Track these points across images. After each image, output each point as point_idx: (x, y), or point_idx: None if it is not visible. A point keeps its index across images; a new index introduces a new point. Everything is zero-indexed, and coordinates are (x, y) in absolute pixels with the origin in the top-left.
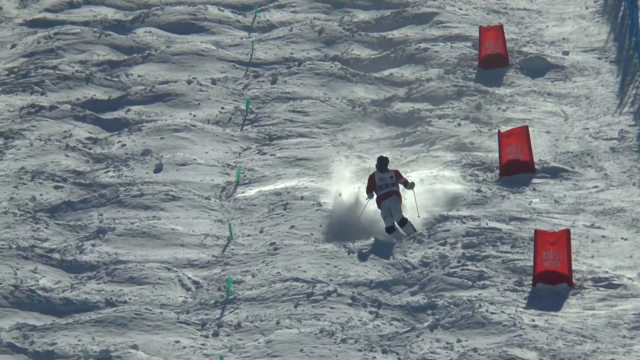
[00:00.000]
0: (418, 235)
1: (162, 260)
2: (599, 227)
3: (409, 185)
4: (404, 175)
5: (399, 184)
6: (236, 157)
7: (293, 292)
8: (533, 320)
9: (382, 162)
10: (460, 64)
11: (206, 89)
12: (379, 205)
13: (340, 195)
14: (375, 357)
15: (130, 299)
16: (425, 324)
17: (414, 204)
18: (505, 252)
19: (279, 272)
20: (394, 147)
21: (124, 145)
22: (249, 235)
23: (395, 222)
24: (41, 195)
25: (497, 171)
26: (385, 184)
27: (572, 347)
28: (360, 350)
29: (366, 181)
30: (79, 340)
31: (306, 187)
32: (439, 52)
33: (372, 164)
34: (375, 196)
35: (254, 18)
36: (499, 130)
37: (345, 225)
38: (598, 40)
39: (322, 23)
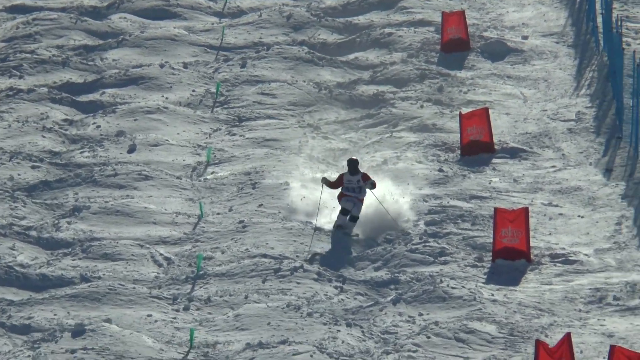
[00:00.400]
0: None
1: (135, 238)
2: (556, 206)
3: (370, 185)
4: (371, 178)
5: (365, 186)
6: (207, 138)
7: (261, 267)
8: (492, 294)
9: (353, 164)
10: (423, 48)
11: (178, 73)
12: (339, 200)
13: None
14: (339, 331)
15: (104, 274)
16: (388, 299)
17: (378, 204)
18: (466, 229)
19: (247, 249)
20: (360, 128)
21: (98, 126)
22: (218, 214)
23: (347, 219)
24: (19, 174)
25: (458, 151)
26: (352, 187)
27: (530, 321)
28: (325, 324)
29: (334, 176)
30: (55, 315)
31: (274, 167)
32: (402, 36)
33: (337, 144)
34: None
35: (224, 4)
36: (460, 112)
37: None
38: (556, 25)
39: (290, 9)
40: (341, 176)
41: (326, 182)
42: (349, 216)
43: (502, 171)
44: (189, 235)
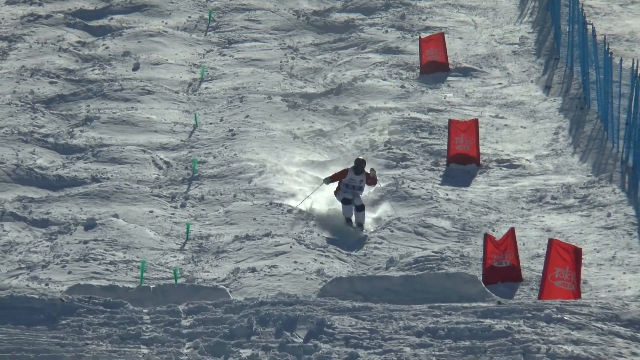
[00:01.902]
0: (353, 121)
1: (138, 144)
2: (502, 117)
3: (372, 181)
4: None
5: (367, 185)
6: (201, 58)
7: (248, 170)
8: (447, 194)
9: (359, 165)
10: None
11: (176, 1)
12: (336, 193)
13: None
14: (315, 225)
15: (112, 176)
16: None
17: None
18: (424, 138)
19: (235, 154)
20: (332, 50)
21: (107, 47)
22: (211, 123)
23: (352, 210)
24: (38, 89)
25: (418, 70)
26: (352, 185)
27: (479, 217)
28: (303, 219)
29: (337, 169)
30: (69, 210)
31: (259, 83)
32: None
33: (313, 64)
34: (333, 185)
35: None
36: (419, 37)
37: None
38: None
39: None
40: (345, 170)
41: (328, 181)
42: (354, 207)
43: (456, 87)
44: (185, 142)
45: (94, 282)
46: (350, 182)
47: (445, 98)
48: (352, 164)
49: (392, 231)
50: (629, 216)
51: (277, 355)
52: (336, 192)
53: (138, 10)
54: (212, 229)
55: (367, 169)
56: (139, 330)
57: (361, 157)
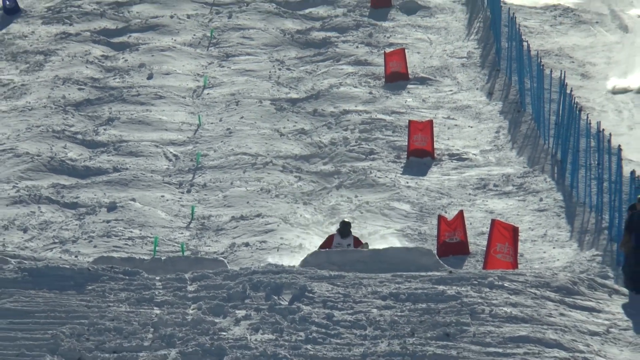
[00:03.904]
0: (329, 122)
1: (152, 140)
2: (453, 119)
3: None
4: (362, 241)
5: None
6: (204, 69)
7: (242, 162)
8: (407, 182)
9: (345, 227)
10: (358, 5)
11: (183, 22)
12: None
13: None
14: (298, 207)
15: (130, 166)
16: (333, 185)
17: None
18: (388, 135)
19: (232, 149)
20: (312, 62)
21: (126, 60)
22: (212, 123)
23: None
24: (69, 94)
25: (383, 79)
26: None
27: (434, 201)
28: (288, 203)
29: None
30: (95, 195)
31: (252, 89)
32: None
33: (296, 74)
34: None
35: None
36: (384, 51)
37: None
38: None
39: None
40: (330, 237)
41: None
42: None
43: (414, 94)
44: (191, 139)
45: (115, 254)
46: (338, 247)
47: (405, 102)
48: (338, 227)
49: (361, 212)
50: (558, 201)
51: (267, 315)
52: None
53: (152, 30)
54: (212, 211)
55: (359, 237)
56: (152, 294)
57: (346, 220)
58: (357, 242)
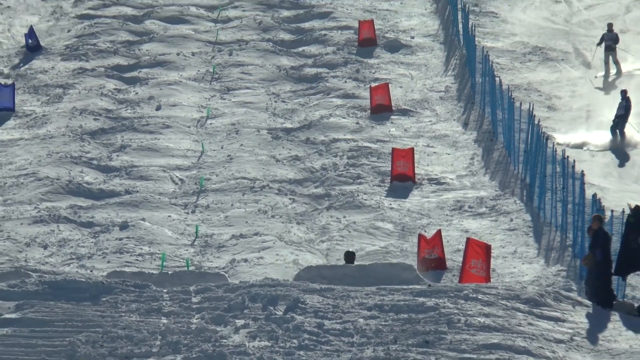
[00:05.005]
0: (320, 149)
1: (160, 165)
2: (432, 147)
3: None
4: None
5: None
6: (207, 101)
7: (241, 185)
8: (390, 204)
9: (350, 258)
10: (347, 44)
11: (188, 59)
12: None
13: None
14: (292, 226)
15: (140, 189)
16: (324, 206)
17: None
18: (374, 161)
19: (232, 173)
20: (305, 95)
21: (137, 93)
22: (214, 150)
23: None
24: (85, 124)
25: (369, 111)
26: None
27: (415, 221)
28: (283, 222)
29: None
30: (108, 215)
31: (250, 120)
32: (333, 36)
33: (291, 106)
34: None
35: (218, 14)
36: (370, 86)
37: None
38: (433, 29)
39: (260, 17)
40: None
41: None
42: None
43: (397, 124)
44: (195, 164)
45: (126, 269)
46: None
47: (389, 132)
48: (344, 257)
49: (349, 231)
50: (526, 221)
51: (263, 324)
52: None
53: (160, 66)
54: (215, 230)
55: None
56: (160, 305)
57: (351, 250)
58: None
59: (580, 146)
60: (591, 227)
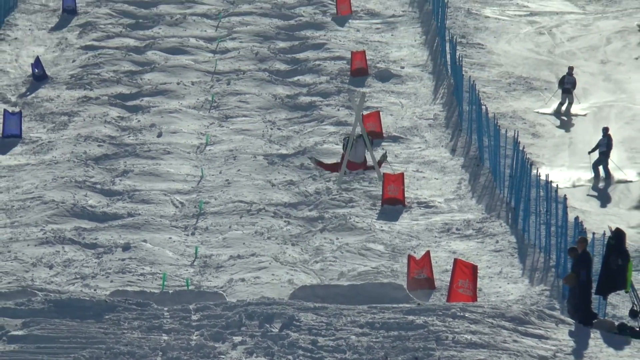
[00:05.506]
0: (314, 174)
1: (161, 189)
2: (421, 172)
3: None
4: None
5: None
6: (206, 128)
7: (239, 209)
8: (381, 227)
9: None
10: (340, 74)
11: (188, 88)
12: None
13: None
14: (287, 248)
15: (142, 212)
16: (317, 228)
17: None
18: (366, 186)
19: (230, 197)
20: (299, 123)
21: (139, 121)
22: (213, 175)
23: None
24: (90, 150)
25: None
26: None
27: (404, 243)
28: (278, 244)
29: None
30: (111, 237)
31: (247, 146)
32: (327, 66)
33: (286, 133)
34: None
35: (217, 45)
36: (362, 114)
37: None
38: (422, 60)
39: (257, 49)
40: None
41: None
42: None
43: (388, 150)
44: (195, 188)
45: (128, 288)
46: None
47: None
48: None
49: (342, 252)
50: (512, 243)
51: (260, 341)
52: None
53: (161, 94)
54: (213, 251)
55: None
56: (161, 322)
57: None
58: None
59: (570, 185)
60: (573, 249)
